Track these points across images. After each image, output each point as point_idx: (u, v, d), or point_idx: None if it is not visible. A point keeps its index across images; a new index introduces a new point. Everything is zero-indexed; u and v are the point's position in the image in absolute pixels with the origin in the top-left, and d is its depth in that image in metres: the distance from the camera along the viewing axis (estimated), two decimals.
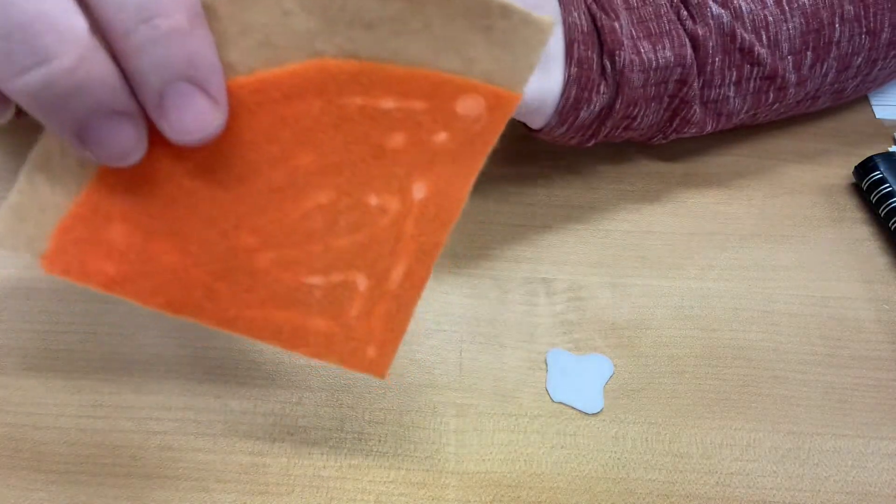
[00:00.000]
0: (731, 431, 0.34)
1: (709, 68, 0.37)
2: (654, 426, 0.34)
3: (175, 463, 0.32)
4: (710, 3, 0.37)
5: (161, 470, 0.32)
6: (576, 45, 0.34)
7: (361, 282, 0.20)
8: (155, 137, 0.18)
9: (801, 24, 0.38)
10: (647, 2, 0.37)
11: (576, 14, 0.34)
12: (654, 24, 0.36)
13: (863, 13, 0.39)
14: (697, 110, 0.39)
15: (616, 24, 0.35)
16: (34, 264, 0.20)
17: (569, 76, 0.34)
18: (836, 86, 0.42)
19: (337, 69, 0.18)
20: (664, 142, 0.41)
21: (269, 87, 0.18)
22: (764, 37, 0.38)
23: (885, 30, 0.40)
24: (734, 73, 0.38)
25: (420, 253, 0.21)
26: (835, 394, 0.36)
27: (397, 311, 0.21)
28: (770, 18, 0.38)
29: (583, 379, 0.35)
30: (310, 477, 0.32)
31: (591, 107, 0.35)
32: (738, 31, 0.37)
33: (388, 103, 0.19)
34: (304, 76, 0.18)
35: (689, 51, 0.36)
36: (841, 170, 0.44)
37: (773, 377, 0.36)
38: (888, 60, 0.42)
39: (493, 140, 0.21)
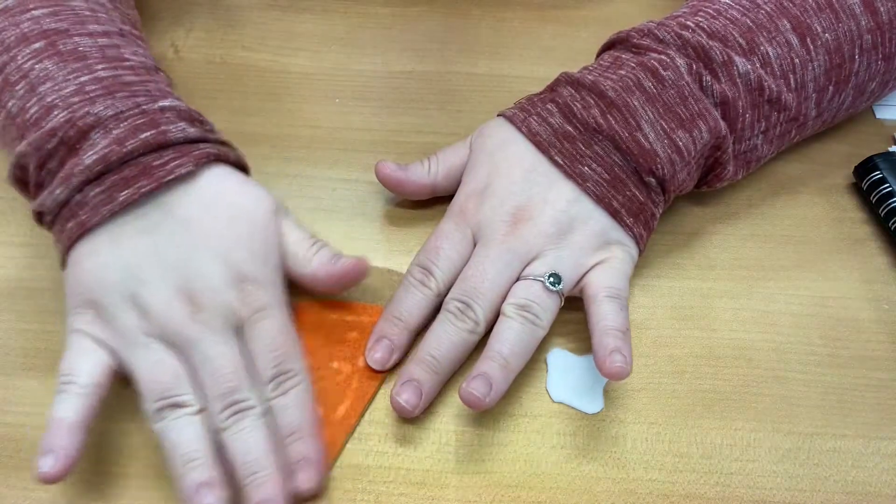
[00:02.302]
0: (731, 431, 0.34)
1: (739, 125, 0.37)
2: (654, 426, 0.34)
3: None
4: (736, 59, 0.36)
5: (161, 470, 0.32)
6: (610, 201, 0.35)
7: (319, 411, 0.33)
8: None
9: (825, 61, 0.38)
10: (667, 84, 0.36)
11: (590, 164, 0.35)
12: (682, 108, 0.35)
13: (880, 40, 0.39)
14: (731, 168, 0.38)
15: (639, 135, 0.34)
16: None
17: (634, 234, 0.35)
18: (850, 110, 0.42)
19: (329, 301, 0.37)
20: (694, 190, 0.41)
21: (310, 308, 0.37)
22: (792, 80, 0.37)
23: None
24: (763, 124, 0.38)
25: (357, 398, 0.34)
26: (835, 394, 0.36)
27: (338, 434, 0.33)
28: (797, 61, 0.37)
29: (583, 379, 0.35)
30: None
31: (655, 222, 0.37)
32: (766, 82, 0.37)
33: (350, 316, 0.37)
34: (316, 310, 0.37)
35: (723, 123, 0.36)
36: (841, 170, 0.44)
37: (773, 377, 0.36)
38: None
39: None
